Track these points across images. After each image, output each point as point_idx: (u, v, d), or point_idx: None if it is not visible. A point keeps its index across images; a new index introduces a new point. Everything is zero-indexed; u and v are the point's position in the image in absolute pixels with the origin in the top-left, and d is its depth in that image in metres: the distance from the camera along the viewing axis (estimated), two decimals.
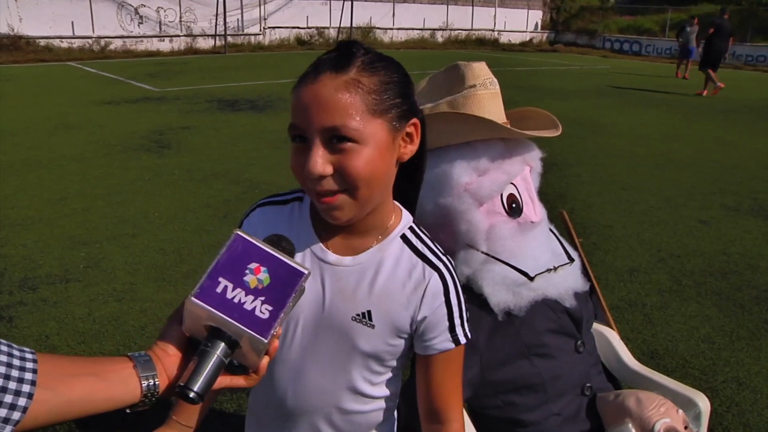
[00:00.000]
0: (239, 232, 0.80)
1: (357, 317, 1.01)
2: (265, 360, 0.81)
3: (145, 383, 0.75)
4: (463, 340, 1.05)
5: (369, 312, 1.01)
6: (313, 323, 1.04)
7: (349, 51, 0.94)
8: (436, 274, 1.02)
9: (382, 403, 1.13)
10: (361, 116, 0.90)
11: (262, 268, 0.79)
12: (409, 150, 1.00)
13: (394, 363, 1.08)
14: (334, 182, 0.91)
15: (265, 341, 0.76)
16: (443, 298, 1.03)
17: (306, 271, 0.80)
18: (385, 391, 1.12)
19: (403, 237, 1.04)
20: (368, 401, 1.10)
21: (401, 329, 1.03)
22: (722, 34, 13.70)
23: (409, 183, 1.08)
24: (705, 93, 13.37)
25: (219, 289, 0.77)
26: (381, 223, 1.03)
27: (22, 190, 5.35)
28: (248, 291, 0.77)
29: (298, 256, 1.03)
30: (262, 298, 0.77)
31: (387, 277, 1.02)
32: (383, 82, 0.93)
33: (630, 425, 1.31)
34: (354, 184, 0.92)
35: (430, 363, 1.06)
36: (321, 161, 0.90)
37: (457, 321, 1.04)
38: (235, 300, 0.76)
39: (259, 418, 1.19)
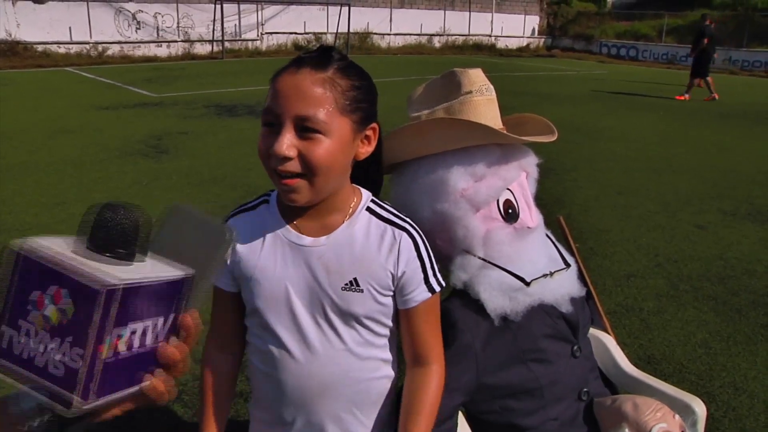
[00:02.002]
0: (21, 247, 0.54)
1: (346, 286, 1.12)
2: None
3: None
4: (437, 288, 1.18)
5: (355, 279, 1.12)
6: (309, 304, 1.13)
7: (329, 54, 1.05)
8: (405, 234, 1.14)
9: (388, 369, 1.22)
10: (330, 111, 1.02)
11: (62, 291, 0.52)
12: (366, 150, 1.13)
13: (389, 323, 1.19)
14: (295, 165, 1.02)
15: (82, 403, 0.52)
16: (415, 253, 1.15)
17: (102, 287, 0.51)
18: (387, 355, 1.21)
19: (369, 209, 1.16)
20: (375, 367, 1.20)
21: (386, 287, 1.14)
22: (713, 41, 13.78)
23: (372, 182, 1.23)
24: (711, 98, 13.47)
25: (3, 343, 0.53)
26: (345, 204, 1.14)
27: (19, 195, 5.35)
28: (43, 332, 0.52)
29: (277, 249, 1.12)
30: (69, 339, 0.52)
31: (362, 245, 1.13)
32: (354, 86, 1.06)
33: (626, 430, 1.31)
34: (314, 170, 1.03)
35: (411, 315, 1.17)
36: (287, 144, 1.01)
37: (429, 272, 1.17)
38: (25, 352, 0.53)
39: (274, 411, 1.22)
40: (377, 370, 1.20)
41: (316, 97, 1.01)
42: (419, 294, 1.15)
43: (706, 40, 13.50)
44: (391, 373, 1.23)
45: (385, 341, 1.20)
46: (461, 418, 1.34)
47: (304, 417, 1.19)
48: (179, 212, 0.67)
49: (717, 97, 13.44)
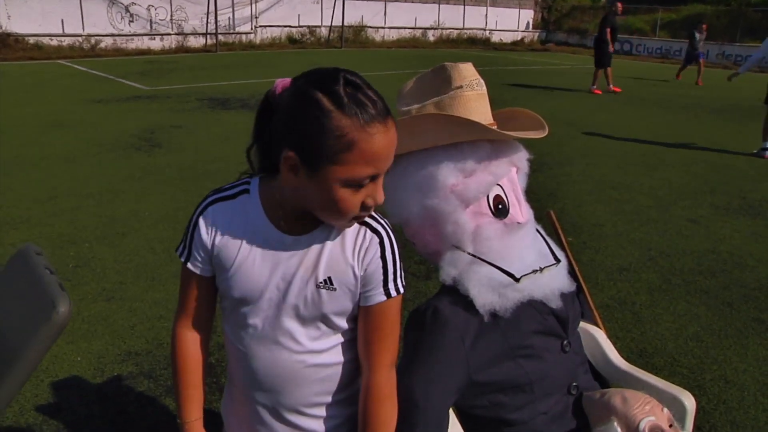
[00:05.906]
0: None
1: (321, 284, 1.15)
2: None
3: None
4: (393, 294, 1.19)
5: (329, 278, 1.15)
6: (285, 300, 1.16)
7: (375, 90, 1.06)
8: (375, 235, 1.17)
9: (355, 353, 1.24)
10: None
11: None
12: None
13: (356, 313, 1.22)
14: None
15: None
16: (380, 254, 1.17)
17: None
18: (353, 341, 1.24)
19: None
20: (342, 351, 1.23)
21: (354, 285, 1.17)
22: (615, 31, 13.32)
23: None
24: (617, 89, 13.25)
25: None
26: None
27: (11, 189, 5.32)
28: None
29: (257, 245, 1.16)
30: None
31: (337, 245, 1.16)
32: None
33: (615, 423, 1.32)
34: None
35: (366, 314, 1.19)
36: None
37: (390, 277, 1.18)
38: None
39: (247, 392, 1.27)
40: (344, 354, 1.23)
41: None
42: (376, 296, 1.17)
43: (609, 30, 13.04)
44: (355, 355, 1.26)
45: (353, 331, 1.23)
46: (450, 413, 1.34)
47: (274, 399, 1.23)
48: (24, 259, 0.44)
49: (596, 90, 13.20)
